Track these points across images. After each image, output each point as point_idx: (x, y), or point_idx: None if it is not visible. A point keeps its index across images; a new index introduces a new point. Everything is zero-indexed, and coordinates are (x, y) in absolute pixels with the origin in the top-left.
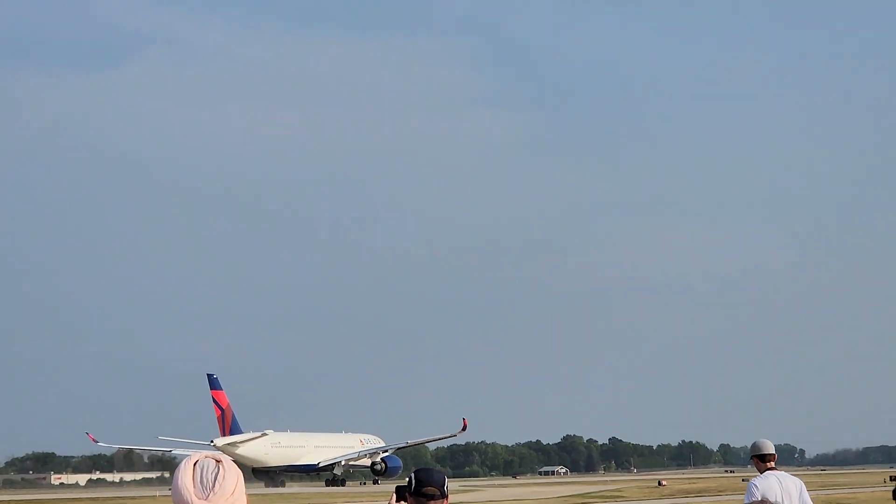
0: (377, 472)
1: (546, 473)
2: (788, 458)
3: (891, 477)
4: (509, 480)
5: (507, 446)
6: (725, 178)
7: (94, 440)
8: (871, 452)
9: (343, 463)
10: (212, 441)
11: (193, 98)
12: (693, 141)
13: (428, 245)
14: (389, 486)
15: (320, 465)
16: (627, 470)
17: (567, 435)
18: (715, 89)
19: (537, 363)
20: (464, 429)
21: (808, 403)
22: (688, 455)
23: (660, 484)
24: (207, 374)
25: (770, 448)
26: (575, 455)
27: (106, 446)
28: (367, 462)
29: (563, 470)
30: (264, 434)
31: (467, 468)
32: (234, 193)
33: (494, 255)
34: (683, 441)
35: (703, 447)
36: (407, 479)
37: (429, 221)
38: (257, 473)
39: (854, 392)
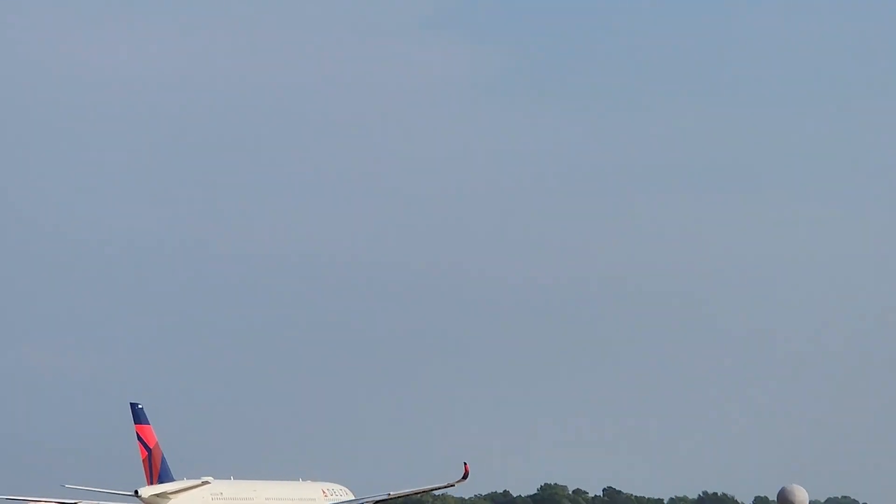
0: None
1: None
2: None
3: None
4: None
5: (462, 499)
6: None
7: None
8: None
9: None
10: (136, 491)
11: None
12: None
13: (382, 232)
14: None
15: None
16: None
17: (545, 484)
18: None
19: (508, 392)
20: (465, 476)
21: (881, 447)
22: None
23: None
24: (131, 404)
25: (800, 496)
26: None
27: None
28: None
29: None
30: (204, 482)
31: None
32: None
33: (463, 245)
34: (706, 493)
35: (733, 500)
36: None
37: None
38: None
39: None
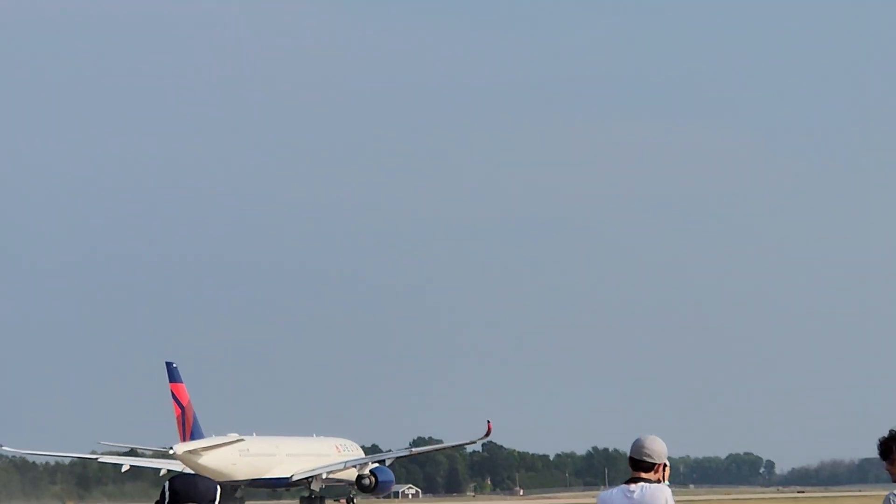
0: (365, 489)
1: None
2: (750, 473)
3: None
4: None
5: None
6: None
7: None
8: (872, 466)
9: (325, 476)
10: (170, 448)
11: None
12: None
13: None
14: None
15: (293, 478)
16: (509, 490)
17: (419, 437)
18: None
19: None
20: (488, 433)
21: (782, 401)
22: (600, 469)
23: None
24: (166, 363)
25: (650, 449)
26: (431, 468)
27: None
28: (346, 475)
29: (413, 490)
30: (240, 439)
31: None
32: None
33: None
34: (595, 448)
35: (623, 456)
36: (161, 489)
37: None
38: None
39: (847, 387)
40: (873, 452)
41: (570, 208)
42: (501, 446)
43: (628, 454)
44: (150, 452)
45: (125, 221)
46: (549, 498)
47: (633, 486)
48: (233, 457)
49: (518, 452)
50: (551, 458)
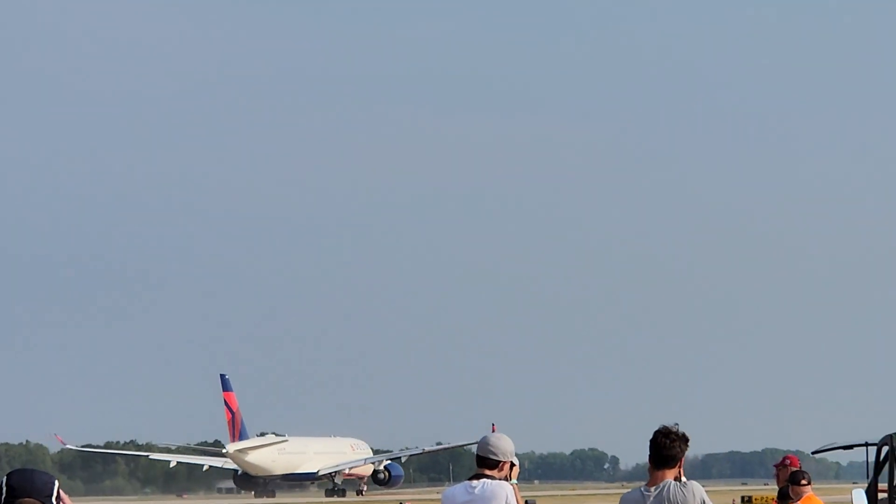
0: (380, 482)
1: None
2: (595, 469)
3: (743, 498)
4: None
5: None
6: None
7: (61, 442)
8: (715, 462)
9: (347, 471)
10: (224, 448)
11: None
12: None
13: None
14: (390, 497)
15: (319, 472)
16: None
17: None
18: None
19: None
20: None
21: (626, 397)
22: (445, 465)
23: None
24: (220, 375)
25: (495, 446)
26: None
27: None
28: (361, 471)
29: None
30: (283, 440)
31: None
32: None
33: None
34: (440, 444)
35: (469, 452)
36: None
37: None
38: (239, 482)
39: (689, 384)
40: (716, 448)
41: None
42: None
43: (477, 448)
44: (201, 451)
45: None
46: (393, 494)
47: (475, 482)
48: (272, 455)
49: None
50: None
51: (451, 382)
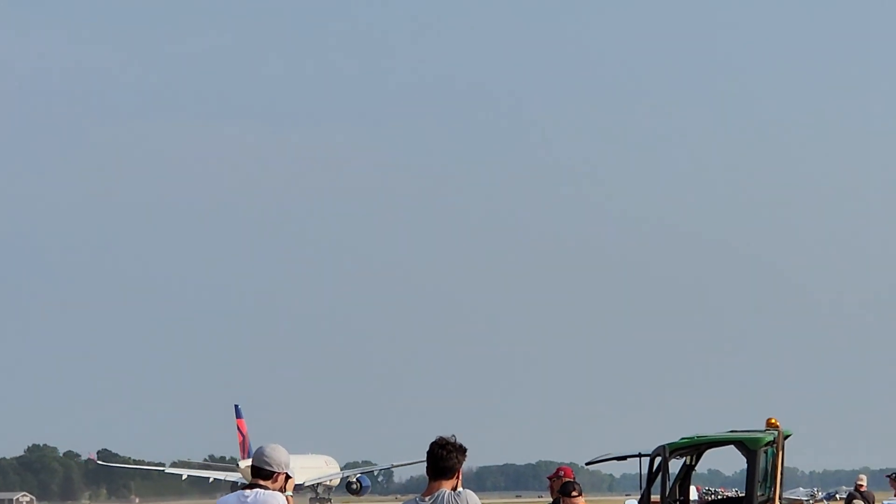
0: (353, 492)
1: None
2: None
3: None
4: None
5: None
6: None
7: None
8: (490, 474)
9: (328, 482)
10: (236, 464)
11: None
12: None
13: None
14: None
15: (305, 484)
16: (125, 498)
17: (33, 445)
18: None
19: None
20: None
21: (399, 408)
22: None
23: None
24: (235, 405)
25: (269, 457)
26: (46, 475)
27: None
28: (334, 482)
29: (28, 498)
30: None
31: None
32: None
33: None
34: (212, 456)
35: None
36: None
37: None
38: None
39: (461, 393)
40: (490, 460)
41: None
42: (117, 454)
43: (253, 459)
44: (220, 466)
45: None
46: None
47: (248, 492)
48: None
49: (133, 460)
50: (167, 466)
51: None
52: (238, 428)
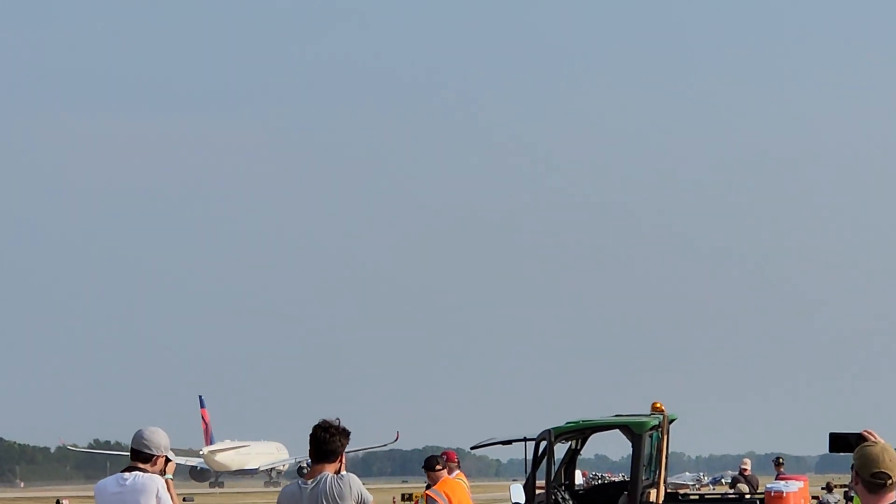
0: (302, 475)
1: None
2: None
3: (403, 496)
4: None
5: None
6: None
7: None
8: (376, 460)
9: (281, 467)
10: (200, 450)
11: None
12: None
13: None
14: None
15: (260, 468)
16: (10, 482)
17: None
18: None
19: None
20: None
21: (280, 387)
22: (102, 462)
23: None
24: (199, 396)
25: (148, 440)
26: None
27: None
28: (286, 467)
29: None
30: (246, 445)
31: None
32: None
33: None
34: (97, 440)
35: (127, 448)
36: None
37: None
38: (195, 474)
39: (350, 375)
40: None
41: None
42: (2, 438)
43: (132, 441)
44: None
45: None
46: (50, 490)
47: (127, 475)
48: (231, 455)
49: (19, 445)
50: (52, 450)
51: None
52: (202, 417)
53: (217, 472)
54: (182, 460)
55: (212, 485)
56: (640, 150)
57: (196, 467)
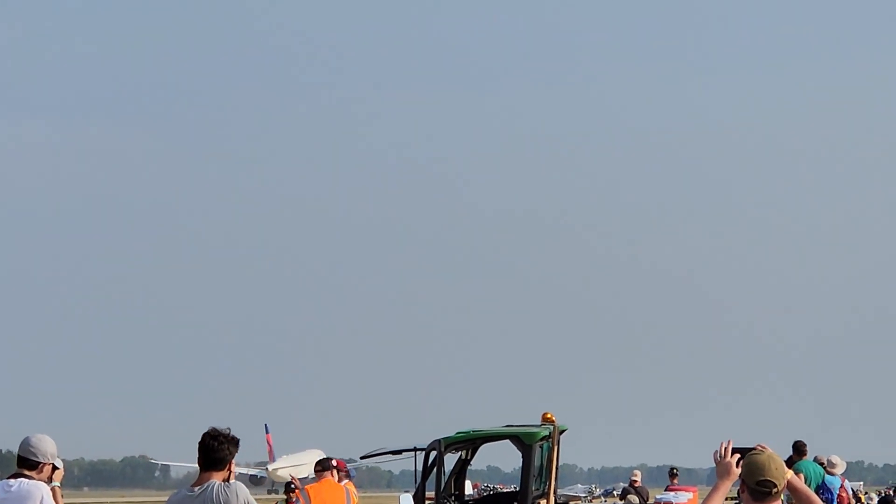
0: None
1: None
2: (145, 476)
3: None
4: None
5: None
6: None
7: None
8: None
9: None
10: (266, 467)
11: None
12: None
13: None
14: None
15: (309, 477)
16: None
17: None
18: None
19: None
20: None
21: (170, 398)
22: None
23: None
24: (265, 424)
25: (35, 447)
26: None
27: None
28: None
29: None
30: (301, 465)
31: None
32: None
33: None
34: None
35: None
36: None
37: None
38: (255, 481)
39: (241, 387)
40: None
41: None
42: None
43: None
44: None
45: None
46: None
47: (12, 481)
48: (289, 471)
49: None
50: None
51: None
52: (267, 441)
53: (274, 481)
54: (244, 470)
55: (269, 492)
56: (541, 155)
57: (256, 475)
